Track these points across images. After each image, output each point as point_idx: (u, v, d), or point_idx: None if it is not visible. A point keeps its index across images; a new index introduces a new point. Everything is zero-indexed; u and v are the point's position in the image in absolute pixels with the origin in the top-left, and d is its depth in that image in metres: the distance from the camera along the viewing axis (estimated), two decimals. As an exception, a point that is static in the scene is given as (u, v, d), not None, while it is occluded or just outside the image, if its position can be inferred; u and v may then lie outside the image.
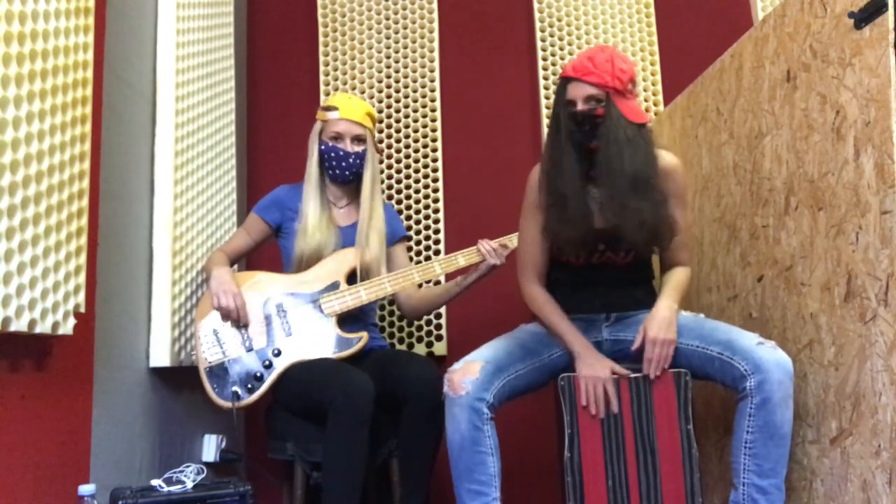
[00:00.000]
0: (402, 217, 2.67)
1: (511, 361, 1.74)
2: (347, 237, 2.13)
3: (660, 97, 2.80)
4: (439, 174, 2.75)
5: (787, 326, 1.73)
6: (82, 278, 1.62)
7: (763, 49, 1.81)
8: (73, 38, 1.60)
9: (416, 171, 2.76)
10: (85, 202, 1.63)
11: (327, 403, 1.78)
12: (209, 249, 2.27)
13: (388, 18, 2.86)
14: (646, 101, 2.80)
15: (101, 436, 1.76)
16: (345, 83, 2.81)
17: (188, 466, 1.79)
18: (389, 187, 2.75)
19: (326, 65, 2.83)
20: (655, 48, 2.84)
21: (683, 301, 1.87)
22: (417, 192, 2.75)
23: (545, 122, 2.73)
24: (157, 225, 2.06)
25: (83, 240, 1.62)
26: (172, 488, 1.69)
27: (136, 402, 1.95)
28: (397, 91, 2.81)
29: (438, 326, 2.66)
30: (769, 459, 1.57)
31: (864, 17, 1.40)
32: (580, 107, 1.75)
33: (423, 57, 2.82)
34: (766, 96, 1.80)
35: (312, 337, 2.00)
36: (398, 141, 2.78)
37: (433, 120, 2.79)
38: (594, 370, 1.70)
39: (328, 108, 2.15)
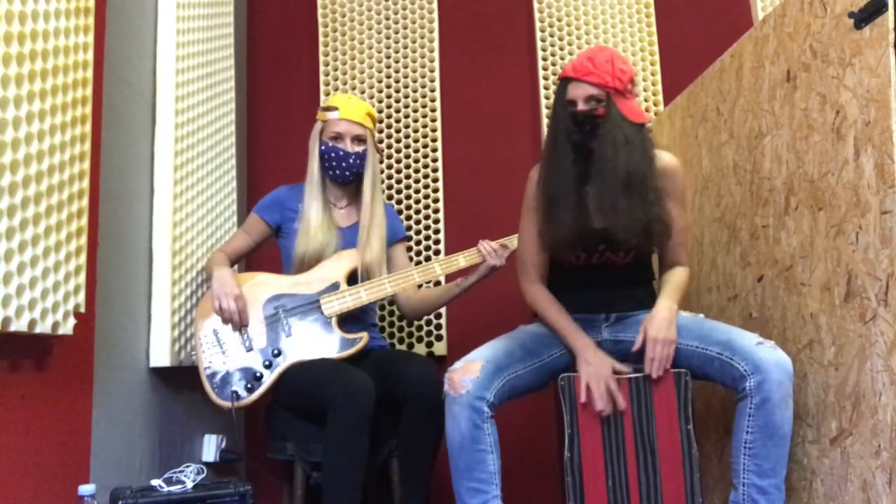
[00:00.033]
0: (402, 217, 2.68)
1: (511, 362, 1.74)
2: (347, 238, 2.13)
3: (660, 97, 2.80)
4: (439, 174, 2.75)
5: (787, 326, 1.73)
6: (82, 278, 1.62)
7: (763, 49, 1.81)
8: (73, 38, 1.60)
9: (416, 171, 2.76)
10: (85, 202, 1.63)
11: (327, 403, 1.78)
12: (209, 249, 2.27)
13: (388, 18, 2.86)
14: (646, 101, 2.80)
15: (101, 436, 1.76)
16: (345, 83, 2.81)
17: (188, 466, 1.79)
18: (389, 187, 2.75)
19: (326, 65, 2.83)
20: (655, 48, 2.84)
21: (683, 301, 1.87)
22: (417, 192, 2.75)
23: (545, 122, 2.72)
24: (157, 225, 2.06)
25: (83, 240, 1.62)
26: (172, 488, 1.69)
27: (136, 402, 1.95)
28: (397, 91, 2.81)
29: (438, 327, 2.66)
30: (769, 459, 1.57)
31: (864, 17, 1.40)
32: (581, 107, 1.76)
33: (423, 57, 2.82)
34: (766, 96, 1.80)
35: (312, 337, 2.00)
36: (398, 141, 2.78)
37: (433, 120, 2.79)
38: (596, 368, 1.70)
39: (328, 109, 2.15)
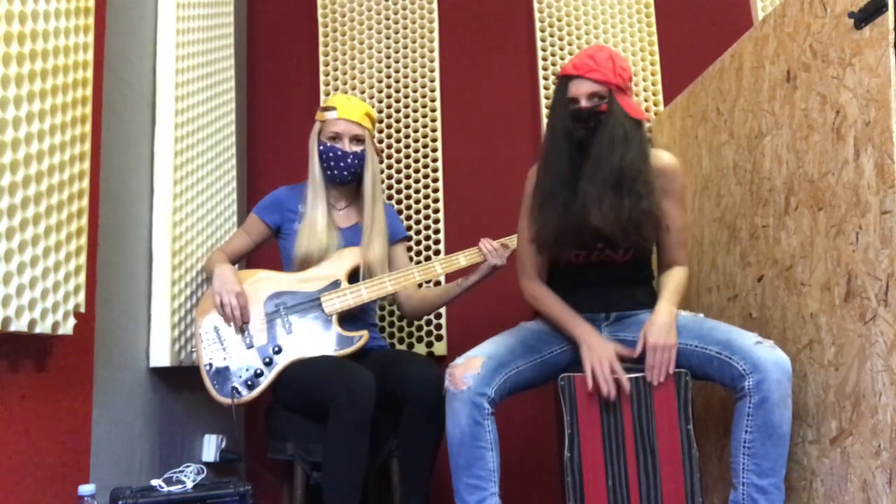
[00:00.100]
0: (402, 217, 2.68)
1: (512, 358, 1.74)
2: (348, 239, 2.13)
3: (660, 97, 2.80)
4: (439, 174, 2.75)
5: (787, 326, 1.73)
6: (82, 278, 1.62)
7: (763, 49, 1.81)
8: (73, 38, 1.60)
9: (416, 171, 2.76)
10: (85, 202, 1.63)
11: (329, 400, 1.78)
12: (209, 249, 2.27)
13: (388, 18, 2.86)
14: (646, 101, 2.80)
15: (101, 436, 1.76)
16: (345, 83, 2.81)
17: (188, 466, 1.79)
18: (389, 187, 2.75)
19: (326, 65, 2.83)
20: (655, 48, 2.84)
21: (683, 301, 1.87)
22: (417, 192, 2.75)
23: (545, 122, 2.73)
24: (157, 225, 2.06)
25: (83, 240, 1.62)
26: (172, 488, 1.69)
27: (136, 402, 1.95)
28: (397, 91, 2.81)
29: (438, 326, 2.66)
30: (768, 459, 1.57)
31: (864, 17, 1.40)
32: (583, 104, 1.75)
33: (423, 57, 2.82)
34: (766, 96, 1.80)
35: (313, 335, 2.00)
36: (398, 141, 2.78)
37: (433, 120, 2.79)
38: (598, 351, 1.70)
39: (327, 109, 2.15)
